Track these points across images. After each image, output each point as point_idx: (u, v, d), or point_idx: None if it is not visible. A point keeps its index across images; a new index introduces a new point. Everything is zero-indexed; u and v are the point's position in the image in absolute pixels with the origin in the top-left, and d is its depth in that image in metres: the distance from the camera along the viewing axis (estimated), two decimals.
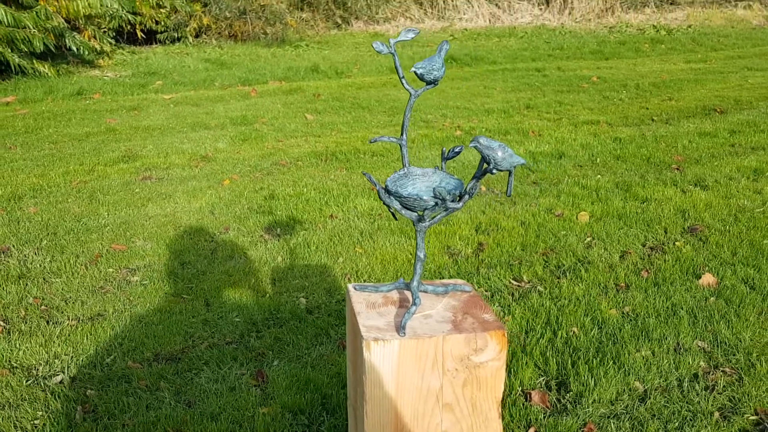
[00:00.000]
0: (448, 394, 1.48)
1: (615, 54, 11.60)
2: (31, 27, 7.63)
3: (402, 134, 1.57)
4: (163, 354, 2.57)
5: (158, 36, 11.27)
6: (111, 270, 3.29)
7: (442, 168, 1.56)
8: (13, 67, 7.57)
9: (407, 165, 1.58)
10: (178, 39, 11.34)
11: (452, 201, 1.42)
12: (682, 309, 2.83)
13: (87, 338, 2.66)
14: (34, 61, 7.92)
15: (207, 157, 5.24)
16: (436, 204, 1.44)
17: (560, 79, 9.36)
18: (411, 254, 3.49)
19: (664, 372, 2.40)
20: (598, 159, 5.25)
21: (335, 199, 4.31)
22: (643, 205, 4.13)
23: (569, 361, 2.46)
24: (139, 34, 11.07)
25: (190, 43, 11.23)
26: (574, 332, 2.68)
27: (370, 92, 8.21)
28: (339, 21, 14.08)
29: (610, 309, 2.88)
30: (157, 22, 11.10)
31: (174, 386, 2.36)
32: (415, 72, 1.50)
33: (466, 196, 1.43)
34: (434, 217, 1.51)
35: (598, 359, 2.46)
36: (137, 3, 10.75)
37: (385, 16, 14.94)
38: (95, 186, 4.55)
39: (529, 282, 3.18)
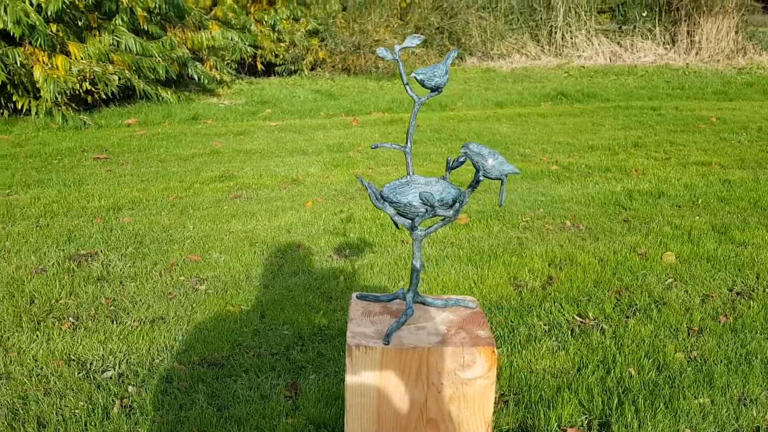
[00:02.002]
0: (433, 410, 1.42)
1: (740, 95, 10.94)
2: (157, 56, 8.23)
3: (407, 142, 1.55)
4: (209, 359, 2.64)
5: (276, 68, 11.79)
6: (182, 278, 3.44)
7: (445, 177, 1.52)
8: (138, 92, 8.18)
9: (411, 173, 1.55)
10: (295, 71, 11.82)
11: (441, 208, 1.38)
12: (757, 358, 2.58)
13: (143, 339, 2.78)
14: (158, 87, 8.51)
15: (297, 180, 5.39)
16: (426, 211, 1.40)
17: (676, 118, 8.92)
18: (475, 282, 3.41)
19: (721, 422, 2.19)
20: (700, 200, 4.93)
21: None
22: (738, 249, 3.83)
23: (616, 402, 2.30)
24: (259, 66, 11.64)
25: (305, 76, 11.68)
26: (629, 373, 2.51)
27: (471, 125, 8.18)
28: None
29: (676, 352, 2.67)
30: (276, 56, 11.64)
31: (210, 389, 2.41)
32: (415, 78, 1.48)
33: (457, 205, 1.38)
34: (429, 226, 1.47)
35: (649, 402, 2.28)
36: (259, 37, 11.34)
37: (500, 53, 14.90)
38: (189, 201, 4.79)
39: (594, 319, 3.02)
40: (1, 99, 7.31)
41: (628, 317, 3.03)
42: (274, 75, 11.86)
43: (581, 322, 2.99)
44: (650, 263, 3.65)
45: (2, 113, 7.47)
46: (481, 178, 1.34)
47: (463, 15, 14.39)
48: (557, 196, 5.06)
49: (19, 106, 7.33)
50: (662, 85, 11.94)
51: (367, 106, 9.00)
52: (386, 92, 10.13)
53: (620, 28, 17.04)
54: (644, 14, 16.75)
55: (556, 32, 15.82)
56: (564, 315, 3.04)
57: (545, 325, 2.96)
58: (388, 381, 1.41)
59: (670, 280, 3.43)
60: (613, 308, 3.12)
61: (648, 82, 12.35)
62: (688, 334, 2.83)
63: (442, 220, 1.48)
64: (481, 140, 7.35)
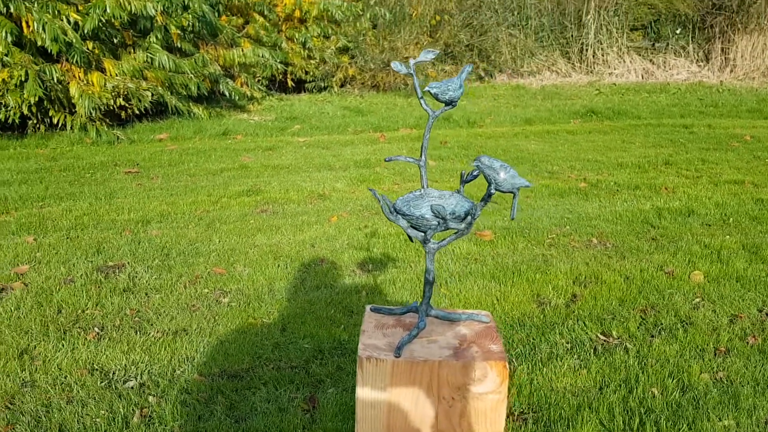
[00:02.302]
0: (444, 424, 1.41)
1: None
2: (189, 72, 8.37)
3: (421, 155, 1.56)
4: (229, 371, 2.65)
5: (306, 85, 11.92)
6: (206, 291, 3.47)
7: (459, 191, 1.52)
8: (170, 108, 8.32)
9: (425, 186, 1.56)
10: (325, 88, 11.93)
11: (453, 221, 1.38)
12: None
13: (165, 350, 2.81)
14: (190, 103, 8.66)
15: (323, 195, 5.43)
16: (438, 224, 1.40)
17: (708, 136, 8.80)
18: (497, 299, 3.39)
19: None
20: (731, 219, 4.84)
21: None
22: None
23: (637, 422, 2.26)
24: (290, 82, 11.77)
25: (335, 92, 11.78)
26: (652, 393, 2.46)
27: (499, 142, 8.15)
28: (482, 74, 14.18)
29: (702, 373, 2.62)
30: (306, 72, 11.77)
31: (229, 401, 2.42)
32: (429, 91, 1.49)
33: (469, 218, 1.38)
34: (443, 239, 1.47)
35: (671, 423, 2.24)
36: (289, 54, 11.49)
37: (530, 70, 14.87)
38: (216, 215, 4.84)
39: (618, 338, 2.98)
40: (38, 114, 7.50)
41: (653, 336, 2.97)
42: (304, 91, 11.99)
43: (605, 340, 2.95)
44: (677, 282, 3.59)
45: (39, 128, 7.65)
46: (493, 191, 1.33)
47: (493, 32, 14.40)
48: (584, 214, 5.01)
49: (55, 121, 7.50)
50: (695, 103, 11.79)
51: (395, 123, 9.03)
52: (414, 109, 10.16)
53: (653, 45, 16.90)
54: (678, 31, 16.59)
55: (587, 49, 15.74)
56: (587, 333, 3.00)
57: (567, 343, 2.92)
58: (399, 394, 1.41)
59: (697, 300, 3.37)
60: (638, 327, 3.07)
61: (680, 100, 12.21)
62: (715, 355, 2.77)
63: (455, 233, 1.48)
64: (509, 157, 7.32)
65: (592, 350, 2.85)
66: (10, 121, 7.20)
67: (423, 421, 1.42)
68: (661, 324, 3.09)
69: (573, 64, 15.57)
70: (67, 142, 7.34)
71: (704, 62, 16.08)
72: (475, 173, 1.51)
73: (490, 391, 1.40)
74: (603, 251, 4.15)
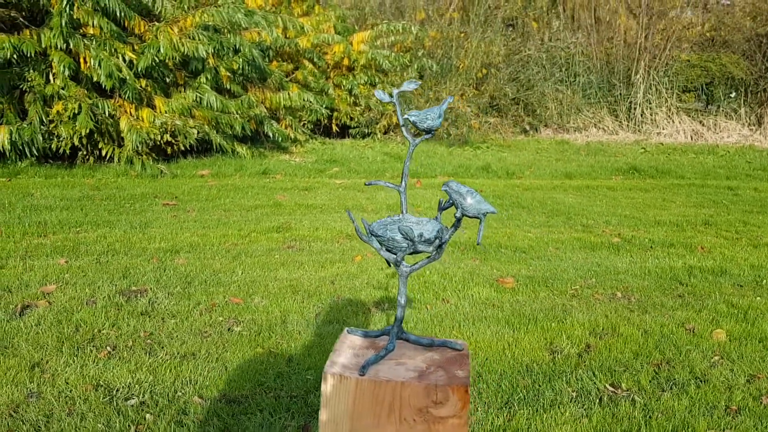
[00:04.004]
0: None
1: None
2: (235, 113, 8.65)
3: (402, 181, 1.59)
4: (229, 396, 2.68)
5: (351, 131, 12.16)
6: (221, 319, 3.53)
7: (437, 218, 1.55)
8: (215, 146, 8.58)
9: (404, 212, 1.59)
10: (368, 134, 12.14)
11: (421, 243, 1.40)
12: None
13: (170, 371, 2.86)
14: (234, 142, 8.91)
15: (351, 236, 5.48)
16: (408, 245, 1.43)
17: (753, 199, 8.60)
18: (509, 344, 3.35)
19: None
20: (765, 281, 4.71)
21: (454, 285, 4.29)
22: None
23: None
24: (334, 127, 12.03)
25: (378, 139, 11.96)
26: None
27: (535, 194, 8.13)
28: (527, 127, 14.22)
29: (708, 430, 2.53)
30: (351, 118, 12.01)
31: (223, 424, 2.45)
32: (407, 119, 1.53)
33: (437, 241, 1.40)
34: (416, 263, 1.50)
35: None
36: (336, 100, 11.77)
37: (576, 126, 14.85)
38: (243, 249, 4.94)
39: (627, 390, 2.90)
40: (88, 146, 7.82)
41: (663, 390, 2.89)
42: (348, 137, 12.22)
43: (612, 391, 2.88)
44: (697, 339, 3.50)
45: (88, 159, 7.97)
46: (459, 215, 1.36)
47: (539, 87, 14.49)
48: (612, 268, 4.94)
49: (104, 153, 7.81)
50: (743, 166, 11.56)
51: (432, 170, 9.11)
52: (454, 158, 10.24)
53: (706, 107, 16.72)
54: (732, 95, 16.41)
55: (635, 108, 15.67)
56: (595, 383, 2.94)
57: (574, 391, 2.86)
58: (361, 413, 1.41)
59: (716, 358, 3.27)
60: (650, 381, 3.00)
61: (728, 162, 12.00)
62: (725, 413, 2.68)
63: (427, 258, 1.50)
64: (545, 209, 7.29)
65: (597, 400, 2.78)
66: (61, 151, 7.53)
67: None
68: (674, 379, 3.01)
69: (620, 122, 15.49)
70: (113, 173, 7.62)
71: (756, 126, 15.81)
72: (451, 201, 1.53)
73: (450, 415, 1.39)
74: (625, 305, 4.08)
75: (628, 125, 15.53)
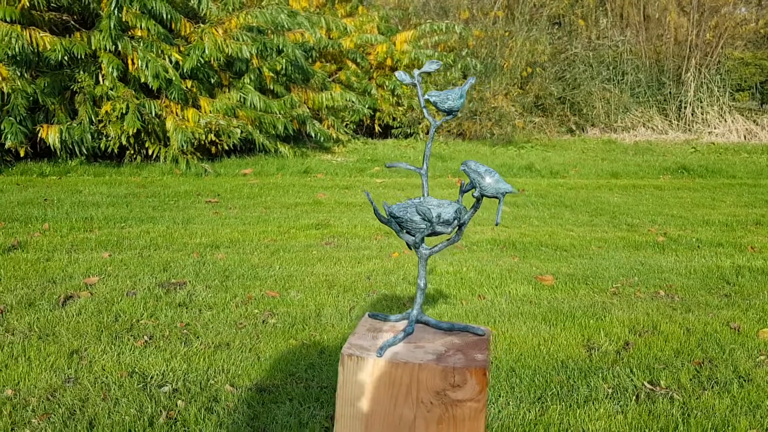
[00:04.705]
0: (422, 430, 1.39)
1: None
2: (278, 113, 8.74)
3: (423, 164, 1.57)
4: (260, 385, 2.70)
5: (393, 131, 12.16)
6: (256, 311, 3.56)
7: (459, 201, 1.52)
8: (257, 145, 8.68)
9: (426, 194, 1.57)
10: (411, 134, 12.13)
11: (440, 224, 1.39)
12: None
13: (204, 360, 2.90)
14: (278, 142, 9.00)
15: (389, 233, 5.47)
16: (426, 227, 1.41)
17: None
18: (544, 339, 3.30)
19: None
20: None
21: (491, 282, 4.24)
22: None
23: None
24: (377, 128, 12.05)
25: (420, 139, 11.94)
26: None
27: (579, 193, 7.99)
28: (573, 127, 14.00)
29: (750, 429, 2.44)
30: (393, 119, 12.02)
31: (253, 412, 2.46)
32: (428, 99, 1.52)
33: (455, 222, 1.38)
34: (435, 245, 1.48)
35: None
36: (378, 101, 11.79)
37: (623, 125, 14.55)
38: (282, 245, 4.98)
39: (666, 388, 2.82)
40: (136, 145, 8.00)
41: (704, 389, 2.80)
42: (391, 137, 12.22)
43: (650, 389, 2.80)
44: (742, 338, 3.38)
45: (136, 158, 8.15)
46: (477, 194, 1.34)
47: (586, 86, 14.25)
48: (657, 266, 4.82)
49: (150, 153, 7.98)
50: None
51: None
52: (497, 157, 10.14)
53: (761, 106, 16.21)
54: None
55: (686, 107, 15.29)
56: (633, 380, 2.87)
57: (609, 388, 2.80)
58: (378, 394, 1.40)
59: (762, 357, 3.15)
60: (691, 379, 2.90)
61: None
62: None
63: (447, 240, 1.48)
64: (588, 207, 7.15)
65: (634, 397, 2.71)
66: (110, 150, 7.72)
67: (401, 424, 1.40)
68: (716, 378, 2.91)
69: (670, 121, 15.13)
70: (159, 172, 7.78)
71: None
72: (472, 183, 1.51)
73: (468, 398, 1.37)
74: (668, 303, 3.97)
75: (678, 124, 15.16)
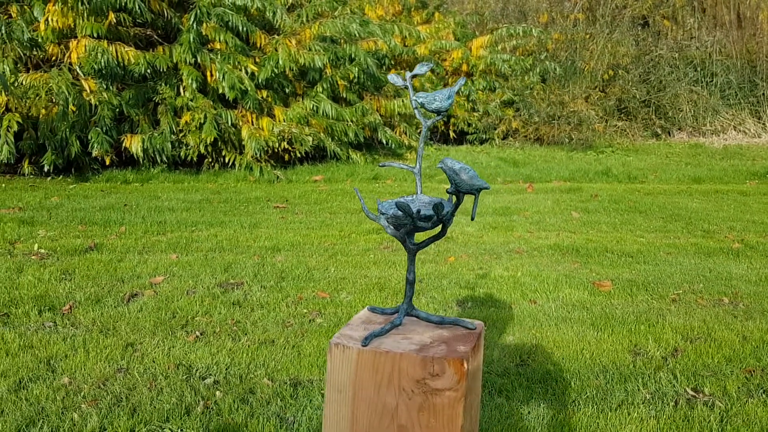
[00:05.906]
0: (404, 416, 1.44)
1: None
2: (349, 120, 8.91)
3: (416, 163, 1.62)
4: (296, 379, 2.80)
5: (468, 137, 12.13)
6: (305, 311, 3.68)
7: (449, 200, 1.56)
8: (329, 153, 8.89)
9: (419, 193, 1.62)
10: (486, 140, 12.06)
11: (420, 220, 1.43)
12: None
13: (248, 355, 3.03)
14: (349, 149, 9.18)
15: (449, 238, 5.50)
16: (408, 222, 1.46)
17: None
18: (589, 344, 3.25)
19: None
20: None
21: (546, 287, 4.19)
22: None
23: None
24: (452, 134, 12.06)
25: (496, 144, 11.86)
26: None
27: (656, 198, 7.74)
28: (658, 131, 13.52)
29: None
30: (468, 124, 12.00)
31: (284, 404, 2.56)
32: (416, 100, 1.56)
33: (434, 218, 1.42)
34: (422, 241, 1.52)
35: None
36: (453, 106, 11.80)
37: (713, 129, 13.93)
38: (341, 248, 5.10)
39: (709, 395, 2.73)
40: (213, 153, 8.36)
41: (751, 397, 2.69)
42: (466, 143, 12.19)
43: (692, 396, 2.72)
44: None
45: (213, 166, 8.52)
46: (452, 190, 1.38)
47: (671, 88, 13.74)
48: (726, 273, 4.63)
49: (227, 160, 8.32)
50: None
51: (548, 174, 8.91)
52: (573, 162, 9.95)
53: None
54: None
55: None
56: (674, 386, 2.79)
57: (648, 393, 2.73)
58: (363, 382, 1.46)
59: None
60: (738, 387, 2.80)
61: None
62: None
63: (433, 236, 1.52)
64: (664, 213, 6.93)
65: (672, 403, 2.64)
66: (189, 158, 8.10)
67: (384, 411, 1.45)
68: (765, 386, 2.79)
69: (763, 123, 14.38)
70: (233, 179, 8.10)
71: None
72: None
73: (447, 387, 1.41)
74: (729, 311, 3.82)
75: None
